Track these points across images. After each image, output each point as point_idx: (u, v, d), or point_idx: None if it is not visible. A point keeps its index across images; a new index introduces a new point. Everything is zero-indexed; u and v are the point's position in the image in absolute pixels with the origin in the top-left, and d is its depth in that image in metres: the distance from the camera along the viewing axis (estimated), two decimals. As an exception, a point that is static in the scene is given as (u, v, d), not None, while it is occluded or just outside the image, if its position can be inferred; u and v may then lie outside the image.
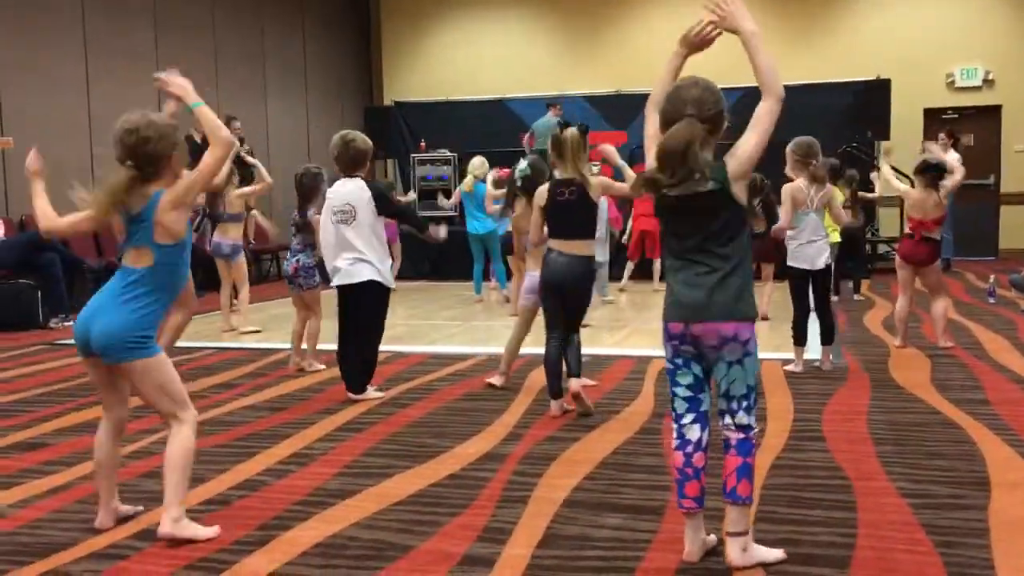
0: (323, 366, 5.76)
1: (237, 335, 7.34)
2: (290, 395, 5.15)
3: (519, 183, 5.27)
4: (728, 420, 2.69)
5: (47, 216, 3.04)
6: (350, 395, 4.96)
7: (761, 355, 6.05)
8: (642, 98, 13.13)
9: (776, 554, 2.69)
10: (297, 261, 5.64)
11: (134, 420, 4.61)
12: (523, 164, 5.21)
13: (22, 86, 9.46)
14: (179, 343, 6.60)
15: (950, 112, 13.90)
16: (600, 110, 14.10)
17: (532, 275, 5.08)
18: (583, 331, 4.86)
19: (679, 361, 2.72)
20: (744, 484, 2.64)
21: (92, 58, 10.28)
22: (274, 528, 3.05)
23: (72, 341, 3.23)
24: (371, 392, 4.96)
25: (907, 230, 6.15)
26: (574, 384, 4.50)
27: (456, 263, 10.72)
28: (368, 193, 4.82)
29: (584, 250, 4.52)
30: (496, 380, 5.19)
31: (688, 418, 2.71)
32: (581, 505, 3.22)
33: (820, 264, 5.42)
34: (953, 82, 13.90)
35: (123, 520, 3.12)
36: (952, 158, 12.45)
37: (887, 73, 12.94)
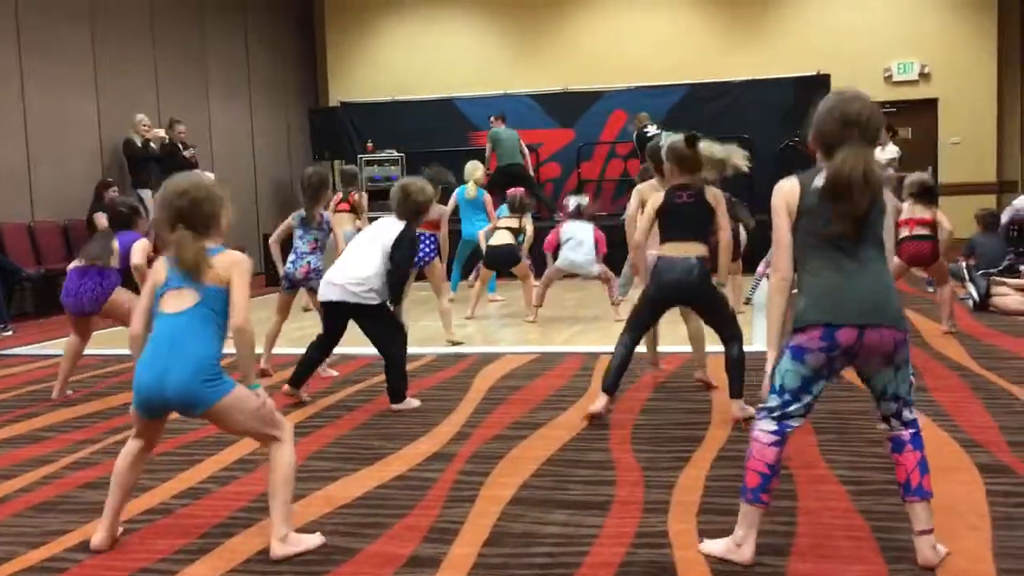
0: (336, 372, 5.71)
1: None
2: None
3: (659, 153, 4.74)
4: (895, 422, 2.64)
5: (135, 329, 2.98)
6: (287, 388, 4.95)
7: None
8: (588, 96, 13.34)
9: (945, 550, 2.64)
10: (308, 264, 5.59)
11: (75, 431, 4.53)
12: (659, 132, 4.88)
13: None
14: (115, 351, 6.49)
15: (888, 106, 14.19)
16: (547, 108, 14.15)
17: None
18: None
19: (826, 372, 2.60)
20: (927, 478, 2.61)
21: (27, 59, 10.03)
22: (217, 536, 3.02)
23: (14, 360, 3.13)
24: (411, 401, 4.81)
25: (903, 233, 6.29)
26: (736, 409, 4.28)
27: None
28: (396, 230, 4.77)
29: (699, 251, 4.32)
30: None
31: (798, 421, 2.65)
32: (528, 503, 3.23)
33: None
34: (890, 76, 14.20)
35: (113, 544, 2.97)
36: (891, 151, 12.75)
37: (826, 68, 13.18)
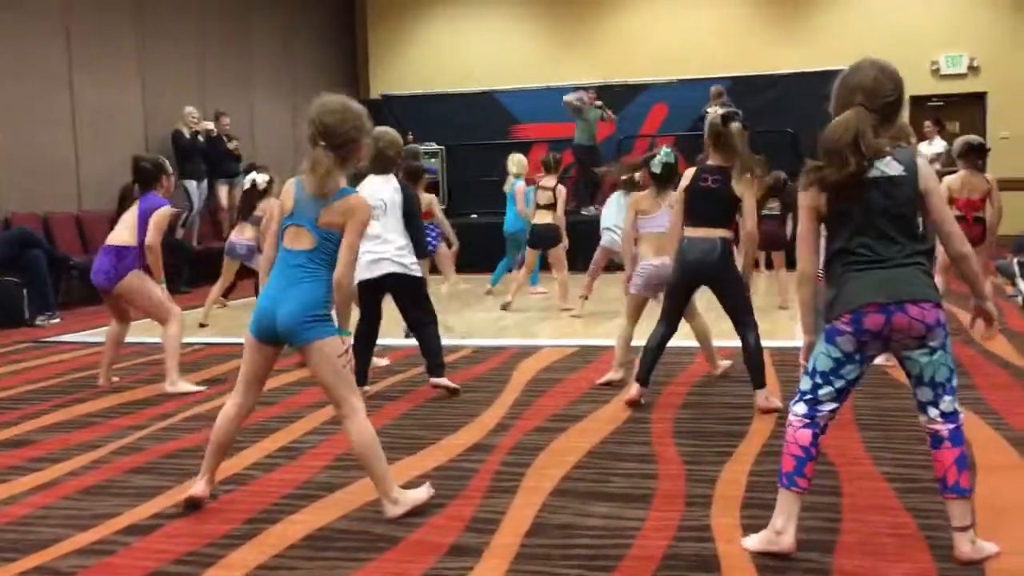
0: (387, 361, 5.72)
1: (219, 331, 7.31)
2: (279, 389, 5.14)
3: (659, 169, 4.96)
4: (933, 412, 2.56)
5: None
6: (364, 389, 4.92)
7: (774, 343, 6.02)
8: (629, 89, 13.25)
9: (993, 548, 2.60)
10: None
11: (122, 416, 4.61)
12: (668, 151, 5.01)
13: (6, 78, 9.40)
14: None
15: (936, 100, 13.93)
16: (588, 101, 14.02)
17: (646, 263, 4.89)
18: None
19: (858, 357, 2.56)
20: (965, 475, 2.54)
21: (75, 50, 10.20)
22: (262, 521, 3.05)
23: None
24: (449, 382, 4.84)
25: (956, 213, 6.16)
26: (760, 399, 4.29)
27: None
28: (401, 194, 4.78)
29: (720, 233, 4.33)
30: (615, 375, 5.01)
31: (829, 406, 2.61)
32: (569, 494, 3.23)
33: None
34: (938, 70, 13.94)
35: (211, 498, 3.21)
36: (938, 146, 12.54)
37: (873, 61, 12.96)
